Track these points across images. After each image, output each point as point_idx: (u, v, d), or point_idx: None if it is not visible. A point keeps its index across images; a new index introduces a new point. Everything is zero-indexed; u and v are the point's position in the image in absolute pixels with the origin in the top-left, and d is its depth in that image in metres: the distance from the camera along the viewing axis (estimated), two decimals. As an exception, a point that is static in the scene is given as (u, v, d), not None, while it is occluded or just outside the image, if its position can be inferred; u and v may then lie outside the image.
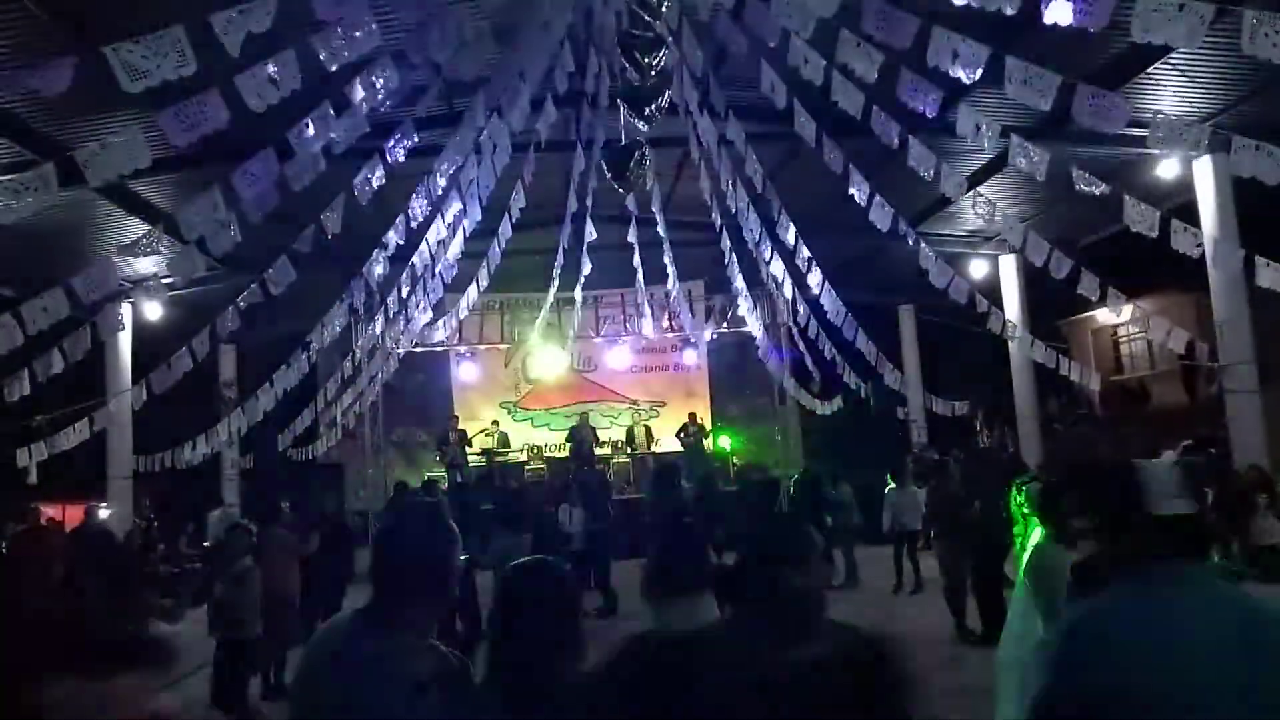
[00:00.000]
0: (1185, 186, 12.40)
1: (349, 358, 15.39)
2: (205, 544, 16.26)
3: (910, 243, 11.63)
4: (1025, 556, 4.69)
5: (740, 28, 8.54)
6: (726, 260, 14.92)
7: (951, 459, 11.92)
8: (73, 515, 14.59)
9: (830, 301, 13.24)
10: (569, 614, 2.23)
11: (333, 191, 9.05)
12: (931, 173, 8.97)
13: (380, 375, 16.61)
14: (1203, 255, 10.69)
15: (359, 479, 18.99)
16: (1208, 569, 1.93)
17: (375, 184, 8.85)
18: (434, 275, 12.83)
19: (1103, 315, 18.48)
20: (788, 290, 14.53)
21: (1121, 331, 19.65)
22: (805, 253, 12.34)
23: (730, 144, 10.93)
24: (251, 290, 9.93)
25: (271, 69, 6.30)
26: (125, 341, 15.53)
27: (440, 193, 10.26)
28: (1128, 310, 15.33)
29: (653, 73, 8.07)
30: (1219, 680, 1.62)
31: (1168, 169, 12.60)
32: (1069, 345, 19.45)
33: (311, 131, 7.35)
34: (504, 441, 18.94)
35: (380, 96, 7.37)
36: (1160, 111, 11.00)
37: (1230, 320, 12.08)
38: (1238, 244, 11.03)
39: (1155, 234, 9.09)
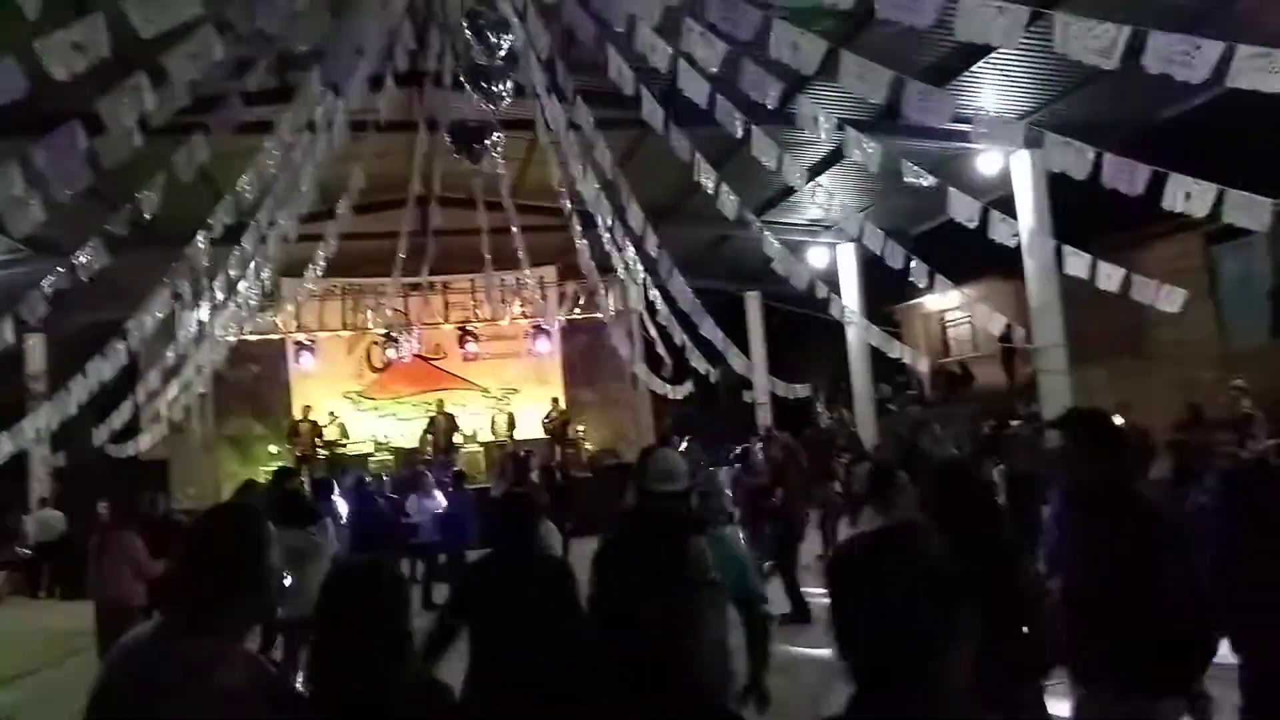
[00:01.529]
0: (1005, 180, 13.21)
1: (173, 346, 14.41)
2: (20, 549, 15.10)
3: (755, 231, 11.92)
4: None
5: (588, 12, 8.47)
6: (577, 246, 14.87)
7: (758, 444, 12.21)
8: None
9: (679, 288, 13.41)
10: (398, 616, 2.10)
11: (151, 169, 8.42)
12: (774, 163, 9.21)
13: (208, 365, 15.64)
14: (1019, 244, 11.49)
15: (187, 476, 17.86)
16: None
17: (199, 161, 8.28)
18: (266, 259, 12.17)
19: (931, 301, 19.51)
20: (638, 276, 14.63)
21: (949, 316, 20.79)
22: (655, 239, 12.43)
23: (579, 129, 10.87)
24: (60, 274, 9.12)
25: (76, 34, 5.77)
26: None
27: (273, 172, 9.73)
28: (954, 296, 16.31)
29: (500, 53, 7.90)
30: None
31: (989, 163, 13.38)
32: (901, 330, 20.44)
33: (125, 103, 6.78)
34: (344, 432, 18.28)
35: (202, 67, 6.88)
36: (982, 109, 11.74)
37: (1042, 305, 12.98)
38: (1050, 234, 11.84)
39: (976, 224, 9.67)
